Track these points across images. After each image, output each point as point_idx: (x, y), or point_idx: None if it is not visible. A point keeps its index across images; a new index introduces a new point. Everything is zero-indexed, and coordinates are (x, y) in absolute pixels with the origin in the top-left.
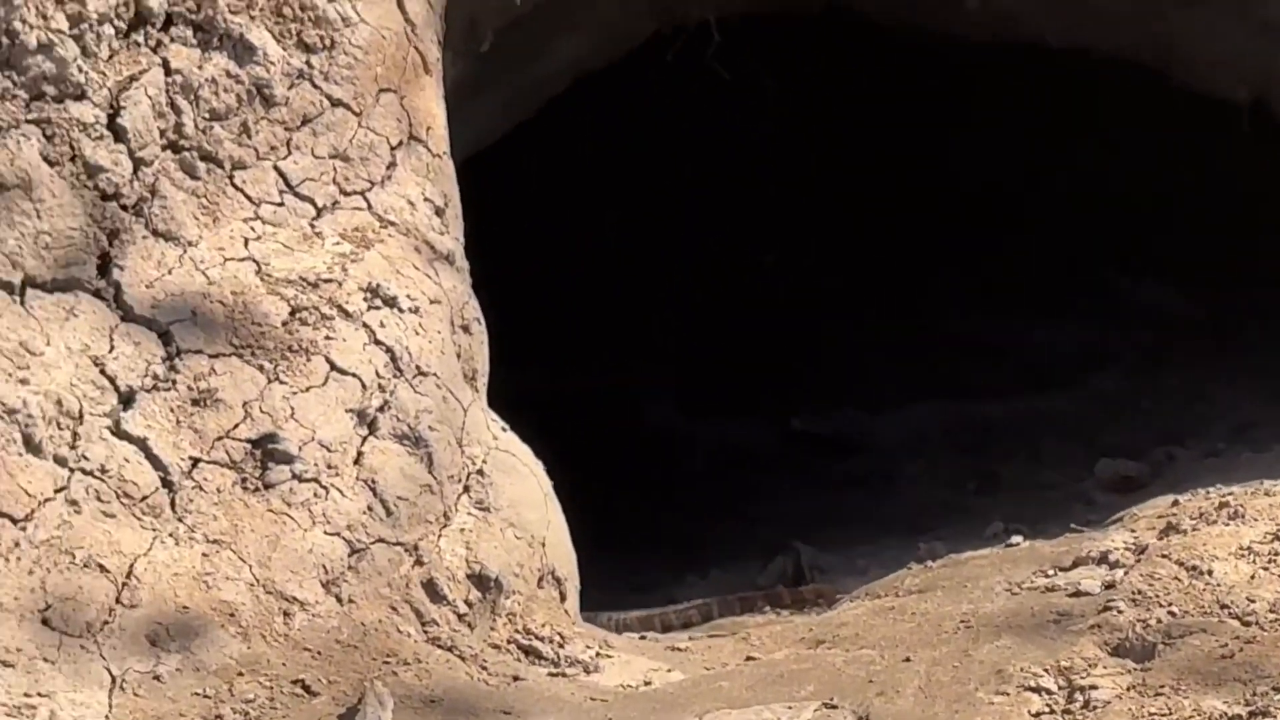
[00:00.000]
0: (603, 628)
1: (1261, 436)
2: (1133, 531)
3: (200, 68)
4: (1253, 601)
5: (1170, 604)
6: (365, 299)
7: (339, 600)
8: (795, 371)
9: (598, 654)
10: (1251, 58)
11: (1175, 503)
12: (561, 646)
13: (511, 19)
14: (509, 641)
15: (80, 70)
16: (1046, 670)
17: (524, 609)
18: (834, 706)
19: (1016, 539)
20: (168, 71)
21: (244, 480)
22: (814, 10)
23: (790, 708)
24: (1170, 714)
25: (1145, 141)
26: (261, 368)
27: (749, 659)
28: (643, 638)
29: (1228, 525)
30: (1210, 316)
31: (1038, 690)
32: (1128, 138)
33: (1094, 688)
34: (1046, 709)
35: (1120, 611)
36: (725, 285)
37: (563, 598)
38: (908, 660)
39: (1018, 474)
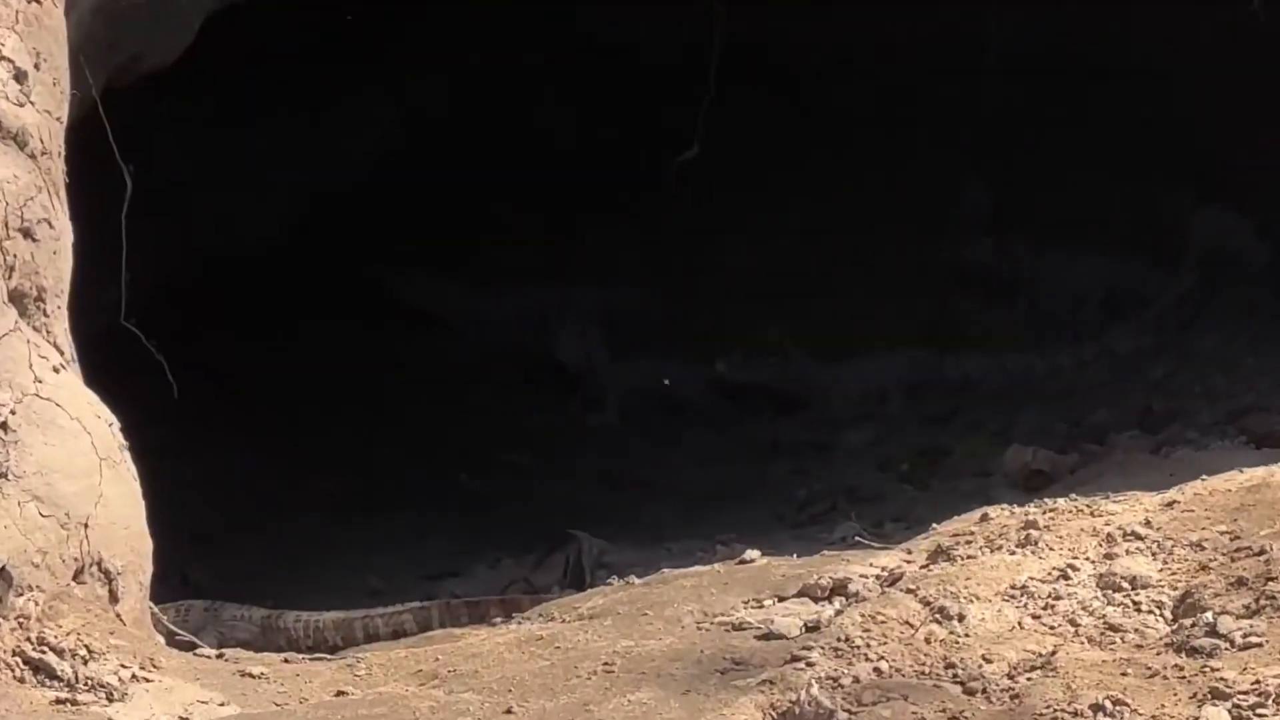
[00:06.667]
0: (286, 630)
1: (1250, 425)
2: (909, 552)
3: None
4: (990, 661)
5: (881, 657)
6: None
7: None
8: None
9: (134, 676)
10: None
11: (984, 517)
12: (86, 663)
13: None
14: (14, 653)
15: None
16: None
17: (46, 610)
18: None
19: (753, 554)
20: None
21: None
22: None
23: None
24: None
25: None
26: None
27: (339, 694)
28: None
29: (1013, 554)
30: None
31: None
32: None
33: None
34: None
35: (810, 665)
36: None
37: (114, 597)
38: (509, 713)
39: (972, 451)
